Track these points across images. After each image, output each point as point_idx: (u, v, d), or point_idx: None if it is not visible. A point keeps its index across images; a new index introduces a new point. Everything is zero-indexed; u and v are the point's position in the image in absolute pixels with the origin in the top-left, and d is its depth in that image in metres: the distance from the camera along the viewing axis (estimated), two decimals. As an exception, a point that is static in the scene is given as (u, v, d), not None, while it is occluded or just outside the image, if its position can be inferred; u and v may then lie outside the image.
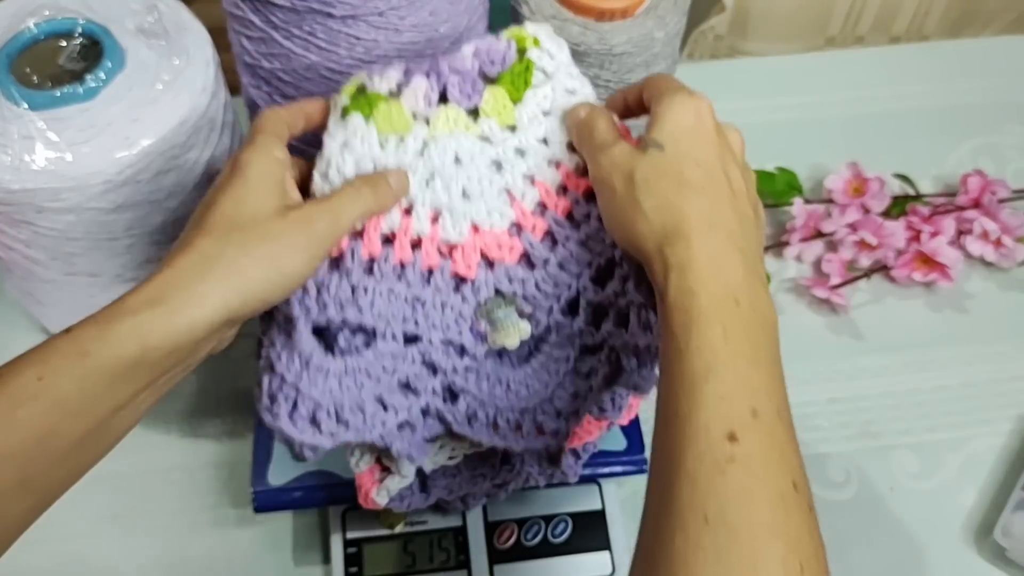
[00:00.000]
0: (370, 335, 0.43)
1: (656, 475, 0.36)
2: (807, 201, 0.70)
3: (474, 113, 0.45)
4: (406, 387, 0.44)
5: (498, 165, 0.45)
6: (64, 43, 0.51)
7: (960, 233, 0.68)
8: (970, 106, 0.79)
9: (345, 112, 0.44)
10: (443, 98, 0.45)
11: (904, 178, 0.72)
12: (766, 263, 0.68)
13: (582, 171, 0.45)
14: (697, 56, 0.86)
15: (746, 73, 0.81)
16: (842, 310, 0.67)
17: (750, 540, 0.33)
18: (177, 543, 0.57)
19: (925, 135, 0.77)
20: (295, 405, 0.41)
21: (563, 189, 0.46)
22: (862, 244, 0.67)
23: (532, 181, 0.46)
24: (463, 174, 0.44)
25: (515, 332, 0.45)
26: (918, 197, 0.71)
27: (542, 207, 0.46)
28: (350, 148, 0.43)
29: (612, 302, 0.44)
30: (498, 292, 0.45)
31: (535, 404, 0.45)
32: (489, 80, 0.46)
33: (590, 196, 0.45)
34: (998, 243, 0.67)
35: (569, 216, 0.46)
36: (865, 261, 0.67)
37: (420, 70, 0.45)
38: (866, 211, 0.68)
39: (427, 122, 0.44)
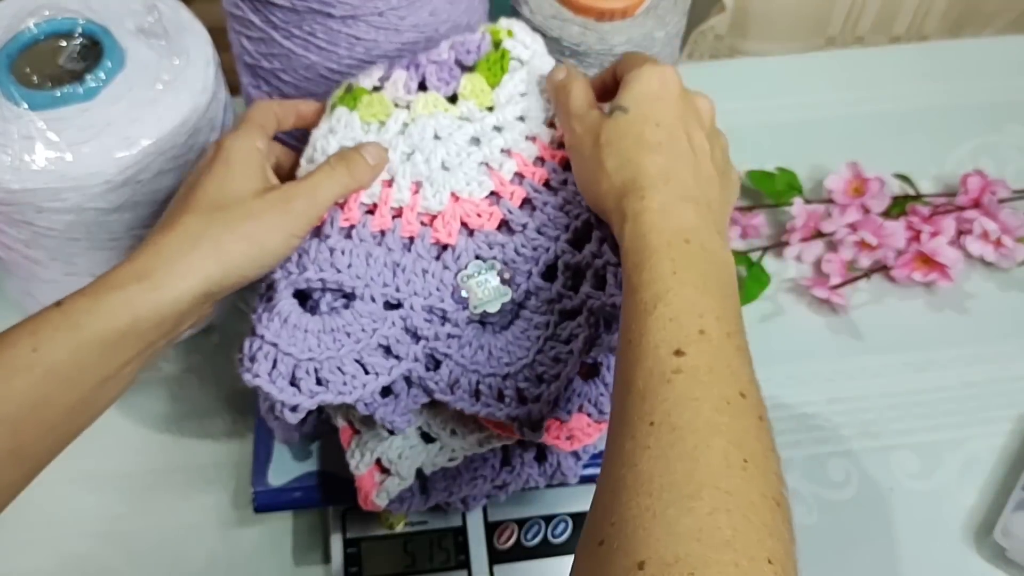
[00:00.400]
0: (349, 297, 0.45)
1: (614, 401, 0.38)
2: (807, 201, 0.70)
3: (452, 99, 0.48)
4: (386, 351, 0.45)
5: (476, 140, 0.48)
6: (64, 43, 0.51)
7: (960, 233, 0.68)
8: (970, 106, 0.79)
9: (332, 107, 0.48)
10: (423, 87, 0.48)
11: (904, 178, 0.72)
12: (766, 263, 0.68)
13: (558, 144, 0.48)
14: (697, 56, 0.86)
15: (746, 73, 0.81)
16: (842, 310, 0.67)
17: (692, 437, 0.34)
18: (178, 543, 0.57)
19: (925, 135, 0.77)
20: (275, 363, 0.42)
21: (540, 160, 0.48)
22: (862, 244, 0.67)
23: (509, 153, 0.48)
24: (442, 149, 0.47)
25: (496, 297, 0.46)
26: (918, 197, 0.71)
27: (519, 176, 0.48)
28: (334, 132, 0.46)
29: (589, 263, 0.46)
30: (478, 258, 0.47)
31: (517, 370, 0.46)
32: (466, 68, 0.49)
33: (567, 165, 0.47)
34: (998, 243, 0.67)
35: (546, 183, 0.47)
36: (865, 261, 0.67)
37: (400, 65, 0.48)
38: (866, 211, 0.68)
39: (408, 108, 0.47)
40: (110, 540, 0.57)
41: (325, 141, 0.46)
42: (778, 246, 0.69)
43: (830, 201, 0.70)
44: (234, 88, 0.57)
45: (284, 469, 0.53)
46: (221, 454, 0.60)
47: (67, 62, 0.51)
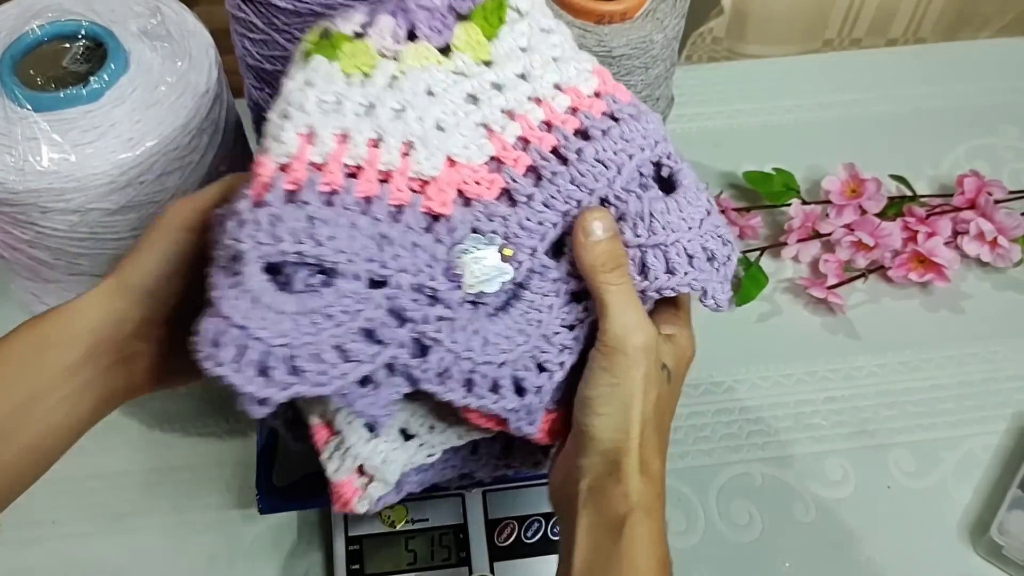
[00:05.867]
0: (329, 274, 0.38)
1: None
2: (804, 202, 0.70)
3: (445, 51, 0.42)
4: (369, 335, 0.39)
5: (473, 98, 0.42)
6: (68, 45, 0.52)
7: (956, 234, 0.69)
8: (966, 108, 0.79)
9: (307, 55, 0.41)
10: (412, 37, 0.42)
11: (900, 179, 0.72)
12: (764, 264, 0.68)
13: (568, 110, 0.43)
14: (695, 59, 0.86)
15: (744, 75, 0.82)
16: (839, 310, 0.67)
17: None
18: (181, 541, 0.57)
19: (921, 137, 0.77)
20: (241, 350, 0.36)
21: (546, 125, 0.42)
22: (859, 244, 0.67)
23: (512, 115, 0.42)
24: (436, 107, 0.41)
25: (494, 276, 0.41)
26: (914, 198, 0.71)
27: (523, 141, 0.42)
28: (312, 85, 0.40)
29: None
30: (476, 231, 0.41)
31: (515, 358, 0.41)
32: (460, 16, 0.42)
33: (579, 133, 0.42)
34: (994, 243, 0.67)
35: (555, 151, 0.42)
36: (862, 261, 0.68)
37: (385, 9, 0.41)
38: (863, 212, 0.69)
39: (395, 59, 0.41)
40: (113, 539, 0.57)
41: (302, 95, 0.40)
42: (775, 246, 0.70)
43: (827, 202, 0.70)
44: (237, 90, 0.58)
45: (288, 470, 0.54)
46: (225, 453, 0.60)
47: (71, 64, 0.51)
